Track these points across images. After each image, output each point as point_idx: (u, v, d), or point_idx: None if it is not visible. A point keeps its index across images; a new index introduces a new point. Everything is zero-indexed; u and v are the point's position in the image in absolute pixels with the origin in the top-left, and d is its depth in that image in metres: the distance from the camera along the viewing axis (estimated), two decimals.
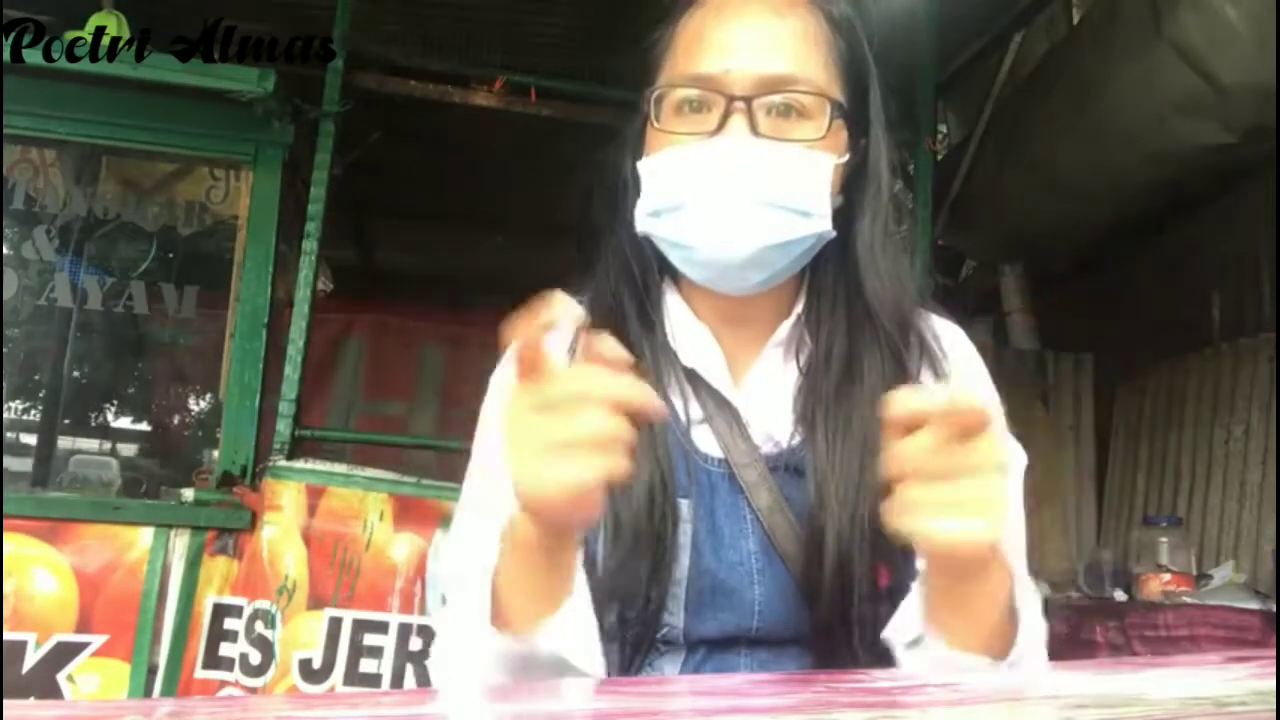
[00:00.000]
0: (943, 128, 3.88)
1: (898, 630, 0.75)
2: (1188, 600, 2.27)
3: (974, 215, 3.52)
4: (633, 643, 0.79)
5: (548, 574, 0.68)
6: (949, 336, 0.89)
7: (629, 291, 0.88)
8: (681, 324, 0.87)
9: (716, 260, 0.80)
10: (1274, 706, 0.39)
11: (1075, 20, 3.26)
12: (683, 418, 0.84)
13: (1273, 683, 0.43)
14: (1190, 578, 2.47)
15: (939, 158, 3.43)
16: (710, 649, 0.81)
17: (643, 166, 0.83)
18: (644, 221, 0.83)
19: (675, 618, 0.80)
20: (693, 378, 0.85)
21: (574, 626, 0.69)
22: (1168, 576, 2.44)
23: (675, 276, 0.88)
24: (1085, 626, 2.29)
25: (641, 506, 0.78)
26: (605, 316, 0.86)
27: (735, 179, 0.78)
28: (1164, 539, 2.57)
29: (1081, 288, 3.70)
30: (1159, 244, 3.26)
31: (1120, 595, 2.56)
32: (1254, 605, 2.16)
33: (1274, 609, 2.12)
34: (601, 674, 0.73)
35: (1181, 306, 3.18)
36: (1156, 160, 2.67)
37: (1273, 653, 0.47)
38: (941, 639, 0.69)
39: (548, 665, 0.69)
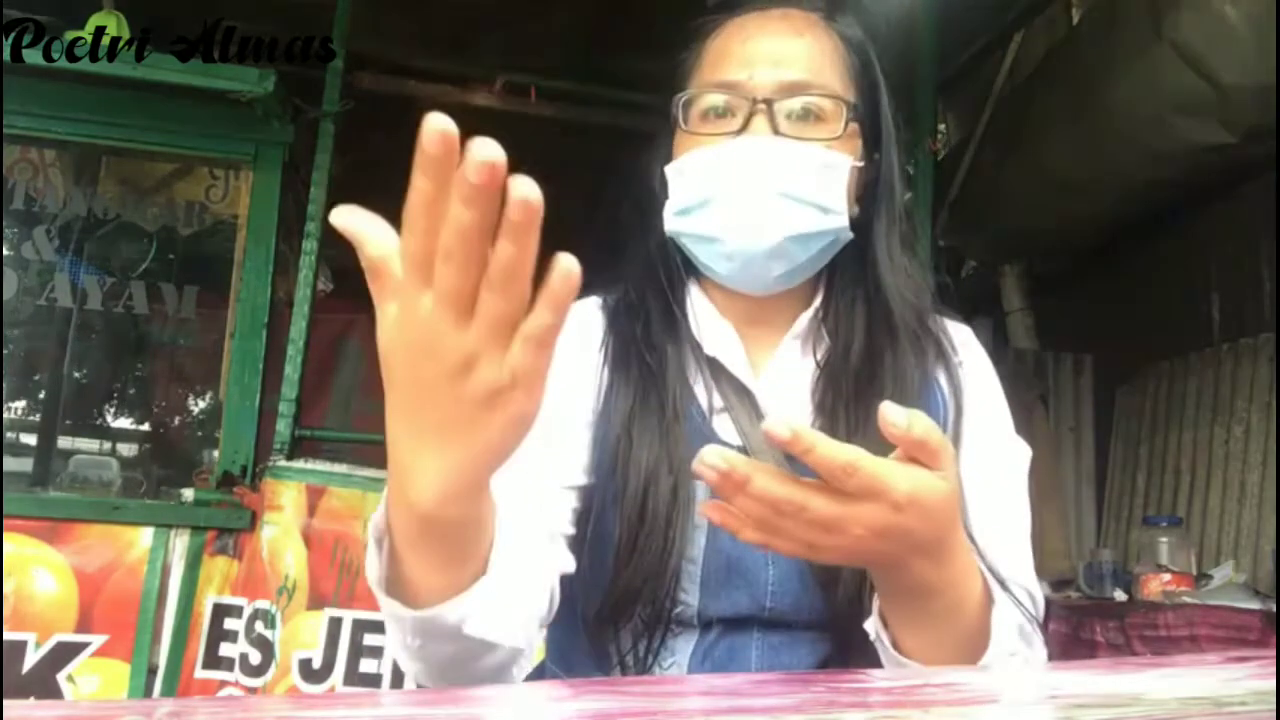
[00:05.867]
0: (942, 128, 3.88)
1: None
2: (1188, 600, 2.27)
3: (974, 215, 3.52)
4: (648, 623, 0.82)
5: (459, 544, 0.61)
6: (960, 338, 0.94)
7: (654, 289, 0.92)
8: (705, 317, 0.91)
9: (742, 251, 0.84)
10: (1274, 706, 0.39)
11: (1075, 20, 3.26)
12: (704, 405, 0.88)
13: (1273, 683, 0.43)
14: (1190, 578, 2.46)
15: (939, 158, 3.43)
16: (723, 630, 0.84)
17: (670, 169, 0.88)
18: (672, 221, 0.87)
19: (690, 596, 0.83)
20: (714, 368, 0.89)
21: (493, 600, 0.64)
22: (1168, 576, 2.44)
23: (699, 276, 0.93)
24: (1085, 626, 2.28)
25: (658, 485, 0.81)
26: (631, 307, 0.91)
27: (759, 173, 0.82)
28: (1164, 539, 2.56)
29: (1081, 288, 3.70)
30: (1159, 244, 3.26)
31: (1120, 595, 2.56)
32: (1254, 605, 2.16)
33: (1274, 609, 2.11)
34: (531, 648, 0.72)
35: (1181, 306, 3.18)
36: (1156, 160, 2.67)
37: (1273, 653, 0.47)
38: (892, 646, 0.70)
39: (457, 640, 0.64)
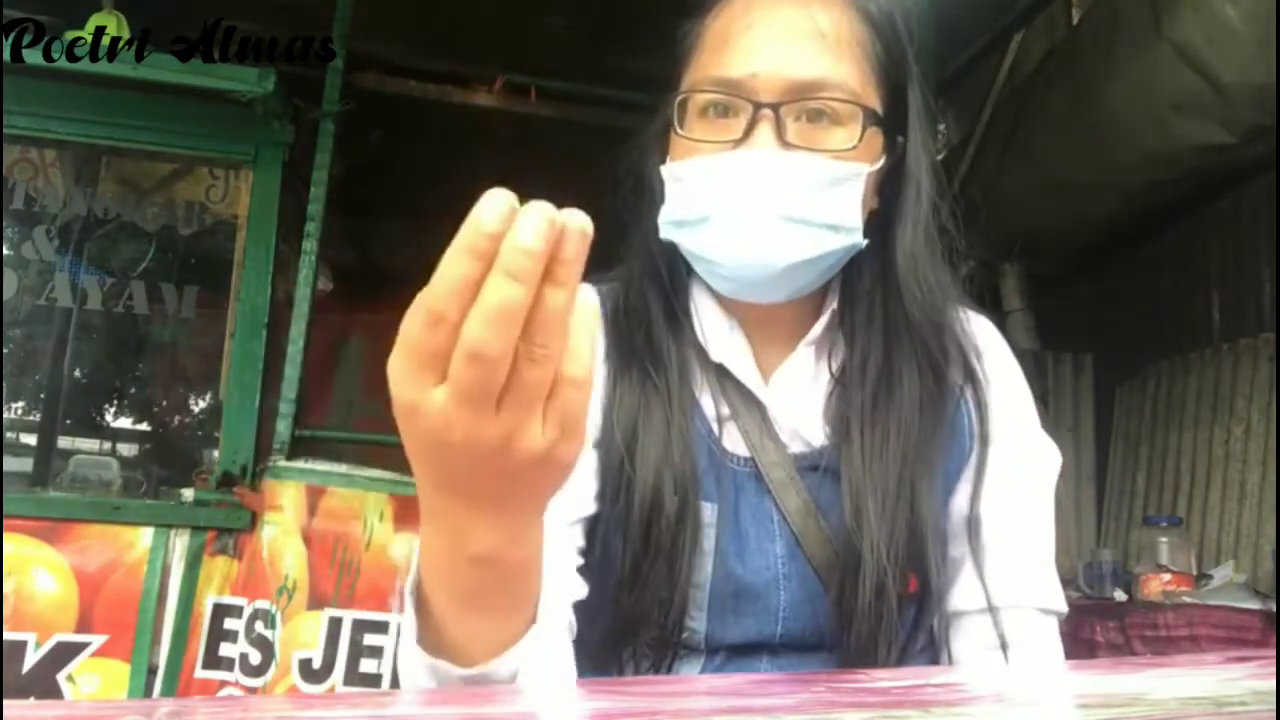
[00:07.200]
0: (942, 128, 3.88)
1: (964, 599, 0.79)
2: (1188, 600, 2.27)
3: (974, 215, 3.51)
4: (654, 647, 0.77)
5: (519, 587, 0.56)
6: (982, 333, 0.87)
7: (655, 289, 0.85)
8: (710, 320, 0.84)
9: (741, 277, 0.77)
10: (1274, 706, 0.39)
11: (1075, 20, 3.26)
12: (710, 415, 0.82)
13: (1273, 683, 0.43)
14: (1190, 578, 2.46)
15: (939, 158, 3.42)
16: (730, 655, 0.79)
17: (666, 171, 0.80)
18: (668, 229, 0.80)
19: (697, 622, 0.78)
20: (720, 374, 0.83)
21: (542, 646, 0.59)
22: (1168, 576, 2.44)
23: None
24: (1085, 626, 2.28)
25: (662, 510, 0.76)
26: (632, 313, 0.84)
27: (760, 193, 0.74)
28: (1164, 539, 2.56)
29: (1081, 288, 3.70)
30: (1159, 244, 3.26)
31: (1120, 595, 2.56)
32: (1254, 605, 2.16)
33: (1274, 609, 2.11)
34: (571, 671, 0.70)
35: (1181, 306, 3.18)
36: (1156, 160, 2.67)
37: (1273, 653, 0.47)
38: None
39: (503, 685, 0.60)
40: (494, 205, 0.40)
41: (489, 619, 0.55)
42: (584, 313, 0.43)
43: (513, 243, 0.39)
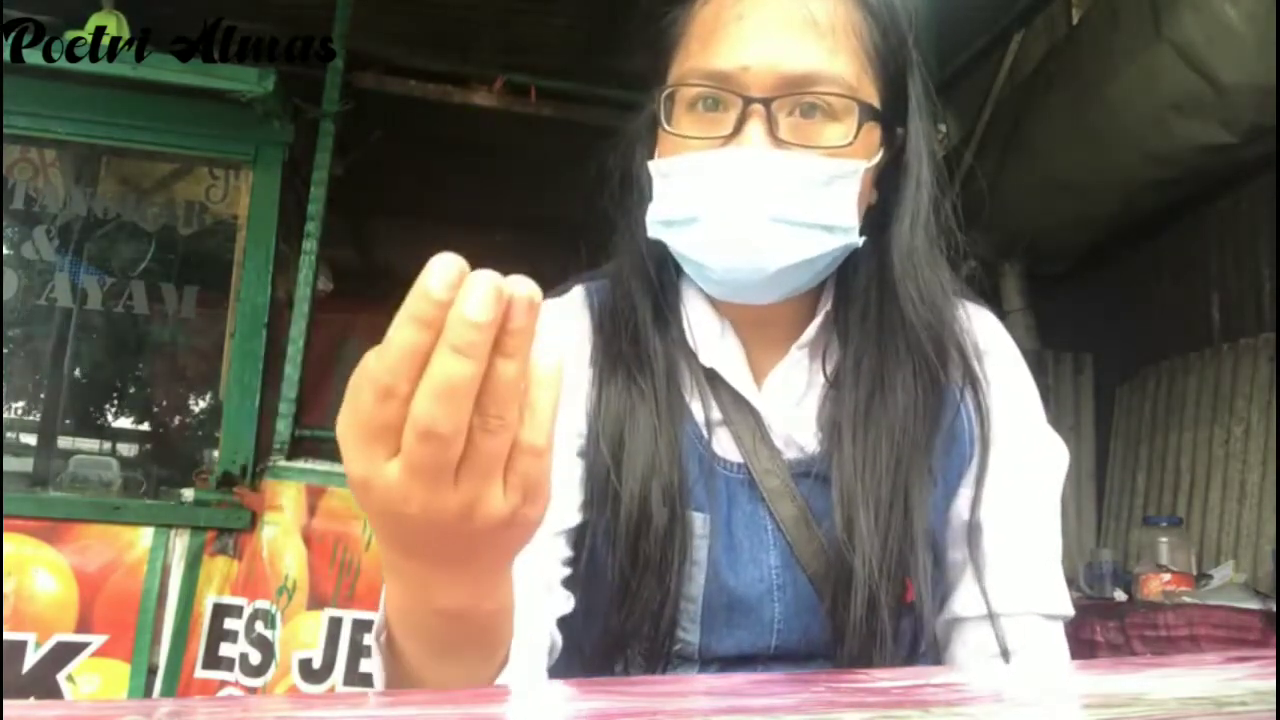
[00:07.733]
0: (943, 128, 3.88)
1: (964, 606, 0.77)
2: (1188, 600, 2.27)
3: (974, 215, 3.51)
4: (646, 658, 0.76)
5: (491, 638, 0.54)
6: (985, 330, 0.84)
7: (643, 288, 0.81)
8: (700, 321, 0.81)
9: (731, 280, 0.74)
10: (1274, 706, 0.39)
11: (1075, 20, 3.26)
12: (700, 421, 0.79)
13: (1273, 683, 0.43)
14: (1190, 578, 2.46)
15: (939, 158, 3.42)
16: (724, 666, 0.78)
17: (654, 168, 0.77)
18: (656, 229, 0.76)
19: (690, 634, 0.76)
20: (711, 378, 0.80)
21: (517, 670, 0.58)
22: (1168, 576, 2.44)
23: None
24: (1085, 626, 2.28)
25: (650, 522, 0.73)
26: (618, 314, 0.82)
27: (751, 194, 0.71)
28: (1164, 539, 2.57)
29: (1081, 288, 3.70)
30: (1159, 244, 3.26)
31: (1120, 595, 2.56)
32: (1254, 605, 2.16)
33: (1274, 609, 2.11)
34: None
35: (1181, 306, 3.18)
36: (1156, 160, 2.67)
37: (1273, 653, 0.47)
38: None
39: None
40: (442, 271, 0.38)
41: (460, 666, 0.54)
42: (545, 376, 0.42)
43: (458, 316, 0.38)
